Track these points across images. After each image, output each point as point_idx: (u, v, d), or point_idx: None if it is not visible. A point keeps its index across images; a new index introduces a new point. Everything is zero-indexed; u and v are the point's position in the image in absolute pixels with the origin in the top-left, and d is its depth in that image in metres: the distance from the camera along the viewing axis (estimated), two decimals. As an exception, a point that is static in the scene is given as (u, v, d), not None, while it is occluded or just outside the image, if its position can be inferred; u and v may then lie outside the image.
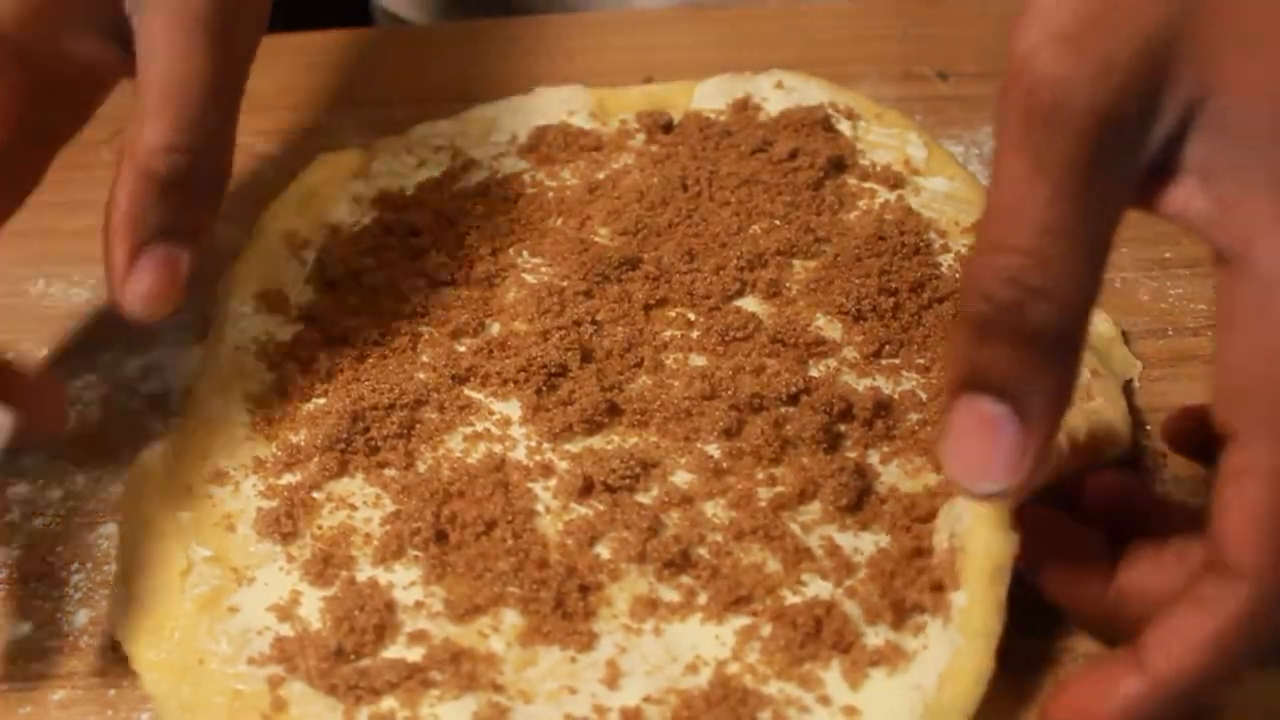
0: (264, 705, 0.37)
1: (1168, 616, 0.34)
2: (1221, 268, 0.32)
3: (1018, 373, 0.33)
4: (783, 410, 0.45)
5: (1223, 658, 0.33)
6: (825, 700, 0.38)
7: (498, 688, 0.38)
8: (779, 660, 0.38)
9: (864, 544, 0.41)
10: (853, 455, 0.44)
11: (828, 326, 0.48)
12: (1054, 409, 0.33)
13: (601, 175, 0.55)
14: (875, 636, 0.39)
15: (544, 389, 0.46)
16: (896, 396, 0.45)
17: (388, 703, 0.38)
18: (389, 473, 0.43)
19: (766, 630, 0.39)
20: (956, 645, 0.38)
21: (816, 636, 0.39)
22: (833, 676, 0.38)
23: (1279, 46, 0.30)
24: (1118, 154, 0.31)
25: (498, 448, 0.44)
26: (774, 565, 0.41)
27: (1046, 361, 0.33)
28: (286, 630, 0.39)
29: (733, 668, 0.39)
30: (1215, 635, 0.33)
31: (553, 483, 0.43)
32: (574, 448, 0.44)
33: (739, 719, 0.37)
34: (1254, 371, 0.31)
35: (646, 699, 0.38)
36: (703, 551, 0.41)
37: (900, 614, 0.39)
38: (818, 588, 0.40)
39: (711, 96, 0.59)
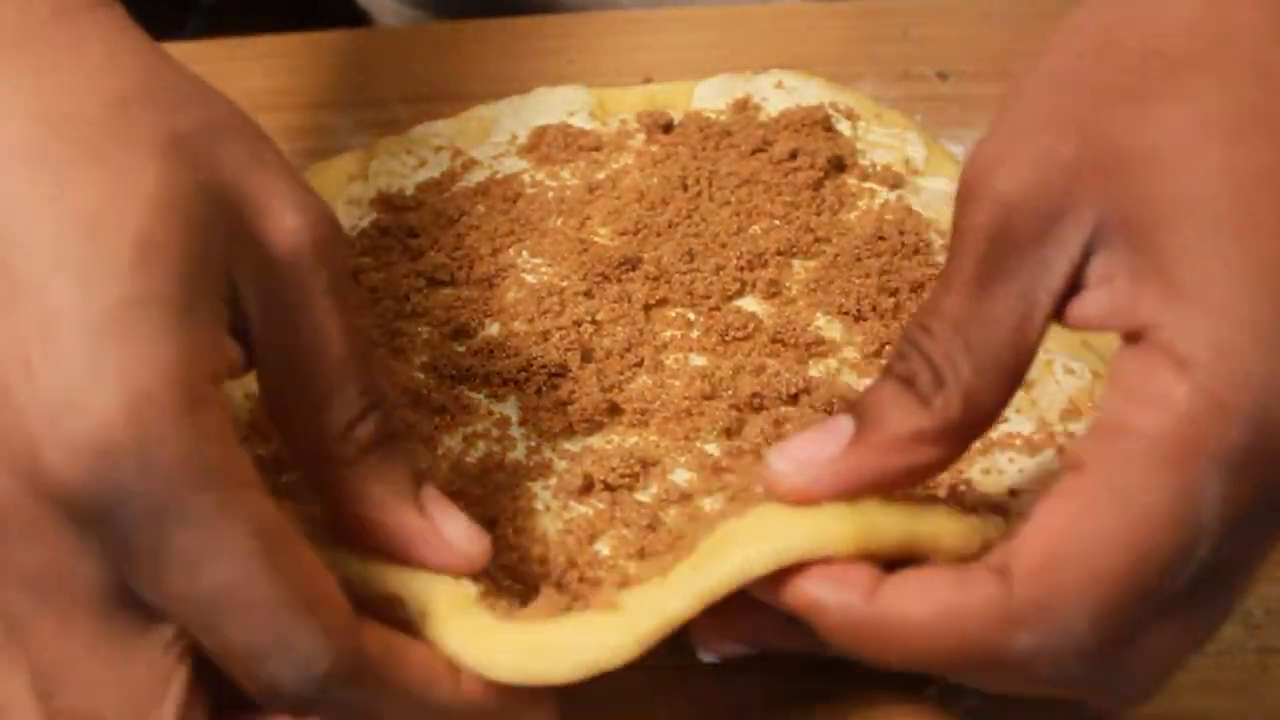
0: None
1: (924, 574, 0.35)
2: (1124, 345, 0.34)
3: (876, 403, 0.36)
4: (783, 410, 0.45)
5: (945, 633, 0.33)
6: None
7: None
8: None
9: None
10: (853, 455, 0.44)
11: (828, 326, 0.48)
12: (889, 452, 0.36)
13: (601, 175, 0.55)
14: None
15: (544, 389, 0.46)
16: (896, 396, 0.45)
17: None
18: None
19: None
20: None
21: None
22: None
23: (1159, 177, 0.34)
24: (1011, 269, 0.35)
25: (497, 448, 0.44)
26: None
27: (902, 408, 0.36)
28: None
29: None
30: (950, 610, 0.33)
31: (552, 482, 0.43)
32: (573, 447, 0.44)
33: None
34: (1120, 416, 0.33)
35: None
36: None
37: None
38: None
39: (711, 96, 0.59)
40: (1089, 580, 0.32)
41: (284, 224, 0.36)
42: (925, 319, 0.36)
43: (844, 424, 0.36)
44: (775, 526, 0.36)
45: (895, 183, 0.54)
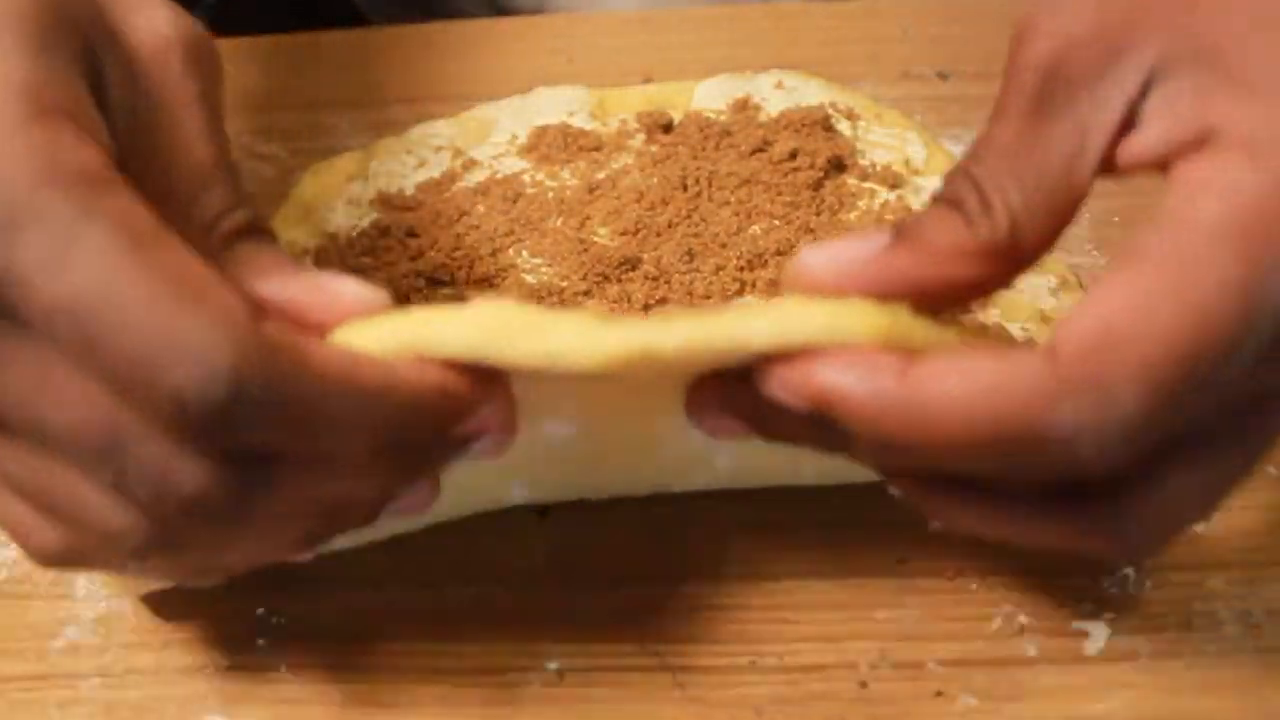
0: None
1: (960, 352, 0.33)
2: (1183, 159, 0.34)
3: (918, 218, 0.36)
4: (783, 410, 0.45)
5: (986, 411, 0.32)
6: None
7: None
8: None
9: None
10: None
11: (828, 326, 0.48)
12: (926, 260, 0.35)
13: (601, 175, 0.55)
14: None
15: (544, 389, 0.46)
16: (896, 396, 0.45)
17: None
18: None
19: None
20: None
21: None
22: None
23: (1234, 11, 0.34)
24: (1065, 105, 0.35)
25: (498, 448, 0.44)
26: None
27: (944, 224, 0.35)
28: None
29: None
30: (993, 386, 0.32)
31: (552, 482, 0.43)
32: (574, 447, 0.44)
33: None
34: (1185, 210, 0.32)
35: None
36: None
37: None
38: None
39: (711, 96, 0.59)
40: (1141, 360, 0.31)
41: (152, 26, 0.36)
42: (976, 149, 0.36)
43: (884, 234, 0.36)
44: (791, 309, 0.34)
45: (895, 183, 0.54)
